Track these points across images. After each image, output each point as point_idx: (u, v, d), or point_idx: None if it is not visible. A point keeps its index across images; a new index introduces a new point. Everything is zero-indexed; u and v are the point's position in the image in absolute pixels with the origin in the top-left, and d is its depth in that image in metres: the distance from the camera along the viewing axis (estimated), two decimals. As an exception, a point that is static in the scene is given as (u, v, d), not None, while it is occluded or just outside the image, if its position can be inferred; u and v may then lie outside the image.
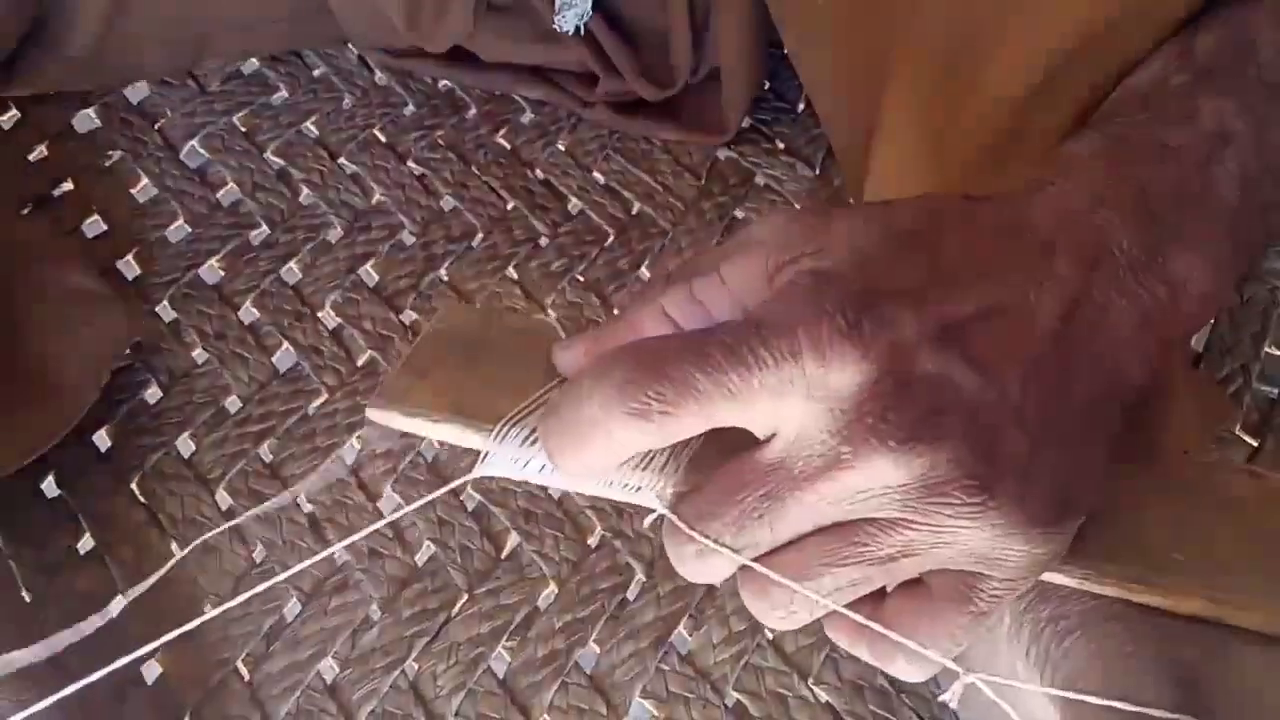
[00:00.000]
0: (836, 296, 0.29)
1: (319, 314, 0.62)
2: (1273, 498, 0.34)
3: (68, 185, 0.67)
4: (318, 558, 0.37)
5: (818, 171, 0.68)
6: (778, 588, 0.31)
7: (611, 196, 0.68)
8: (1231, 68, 0.36)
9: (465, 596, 0.52)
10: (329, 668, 0.50)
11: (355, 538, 0.37)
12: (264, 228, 0.66)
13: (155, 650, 0.34)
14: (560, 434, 0.30)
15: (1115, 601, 0.33)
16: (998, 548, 0.29)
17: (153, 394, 0.58)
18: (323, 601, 0.52)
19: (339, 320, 0.62)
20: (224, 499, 0.55)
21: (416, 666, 0.50)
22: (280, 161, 0.69)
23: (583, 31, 0.64)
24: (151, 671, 0.50)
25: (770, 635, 0.51)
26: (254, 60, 0.74)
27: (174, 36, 0.70)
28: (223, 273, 0.64)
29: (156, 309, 0.62)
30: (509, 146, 0.70)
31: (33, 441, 0.53)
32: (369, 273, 0.64)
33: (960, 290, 0.30)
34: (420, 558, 0.53)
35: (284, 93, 0.73)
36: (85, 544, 0.53)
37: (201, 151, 0.69)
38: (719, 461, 0.31)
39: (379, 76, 0.74)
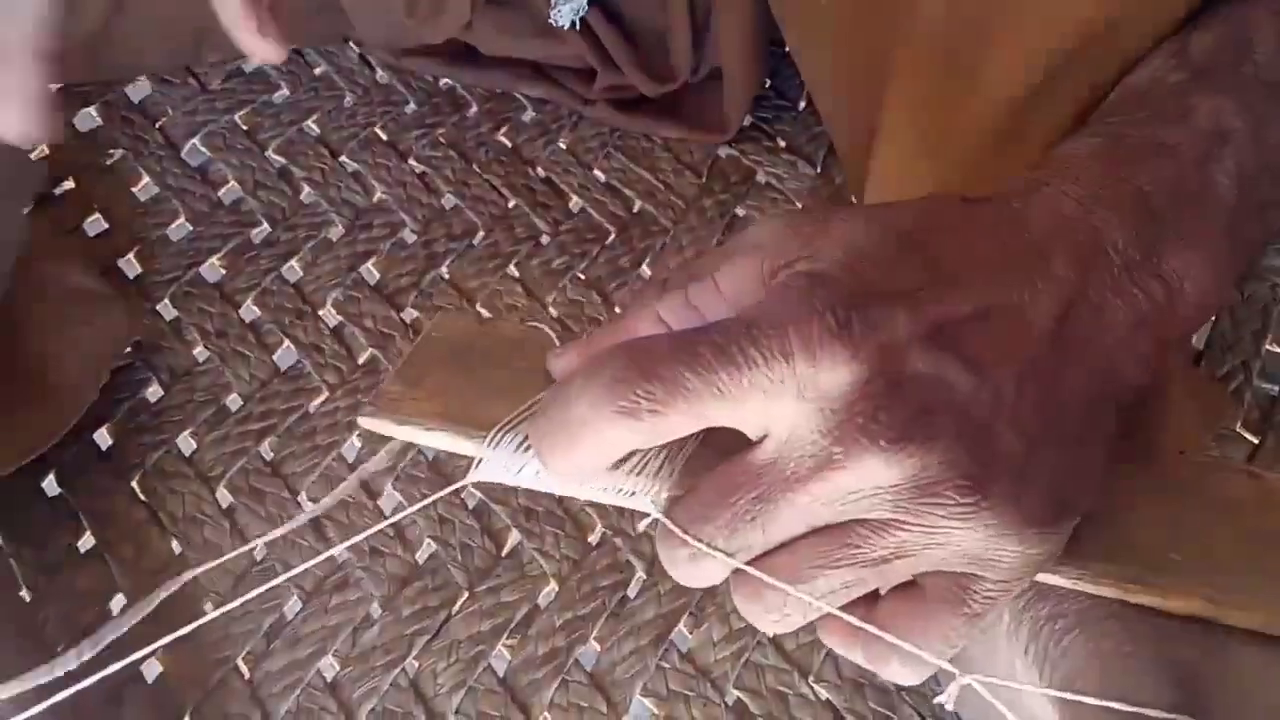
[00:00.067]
0: (827, 296, 0.29)
1: (320, 312, 0.62)
2: (1271, 498, 0.34)
3: (69, 184, 0.67)
4: (318, 559, 0.37)
5: (819, 170, 0.68)
6: (771, 590, 0.31)
7: (613, 194, 0.68)
8: (1229, 66, 0.36)
9: (466, 594, 0.52)
10: (329, 666, 0.50)
11: (356, 539, 0.37)
12: (265, 226, 0.66)
13: (155, 650, 0.34)
14: (550, 434, 0.30)
15: (1113, 600, 0.33)
16: (991, 549, 0.29)
17: (154, 392, 0.58)
18: (323, 599, 0.52)
19: (340, 318, 0.62)
20: (225, 497, 0.55)
21: (417, 664, 0.50)
22: (281, 160, 0.69)
23: (578, 26, 0.64)
24: (152, 670, 0.50)
25: (772, 633, 0.50)
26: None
27: (173, 31, 0.70)
28: (224, 271, 0.64)
29: (157, 307, 0.62)
30: (510, 144, 0.70)
31: (32, 441, 0.53)
32: (370, 271, 0.64)
33: (955, 291, 0.30)
34: (421, 555, 0.53)
35: (285, 91, 0.73)
36: (86, 542, 0.53)
37: (203, 150, 0.69)
38: (714, 465, 0.31)
39: (380, 75, 0.74)
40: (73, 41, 0.67)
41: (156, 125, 0.70)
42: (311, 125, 0.71)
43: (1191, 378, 0.56)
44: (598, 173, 0.69)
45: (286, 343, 0.61)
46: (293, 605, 0.52)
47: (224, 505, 0.55)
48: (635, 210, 0.67)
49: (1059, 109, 0.39)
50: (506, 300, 0.62)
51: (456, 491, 0.54)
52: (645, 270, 0.64)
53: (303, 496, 0.55)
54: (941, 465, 0.28)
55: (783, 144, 0.70)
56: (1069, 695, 0.32)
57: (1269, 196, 0.35)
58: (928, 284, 0.30)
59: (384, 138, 0.70)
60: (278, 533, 0.37)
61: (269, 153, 0.69)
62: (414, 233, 0.66)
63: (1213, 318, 0.59)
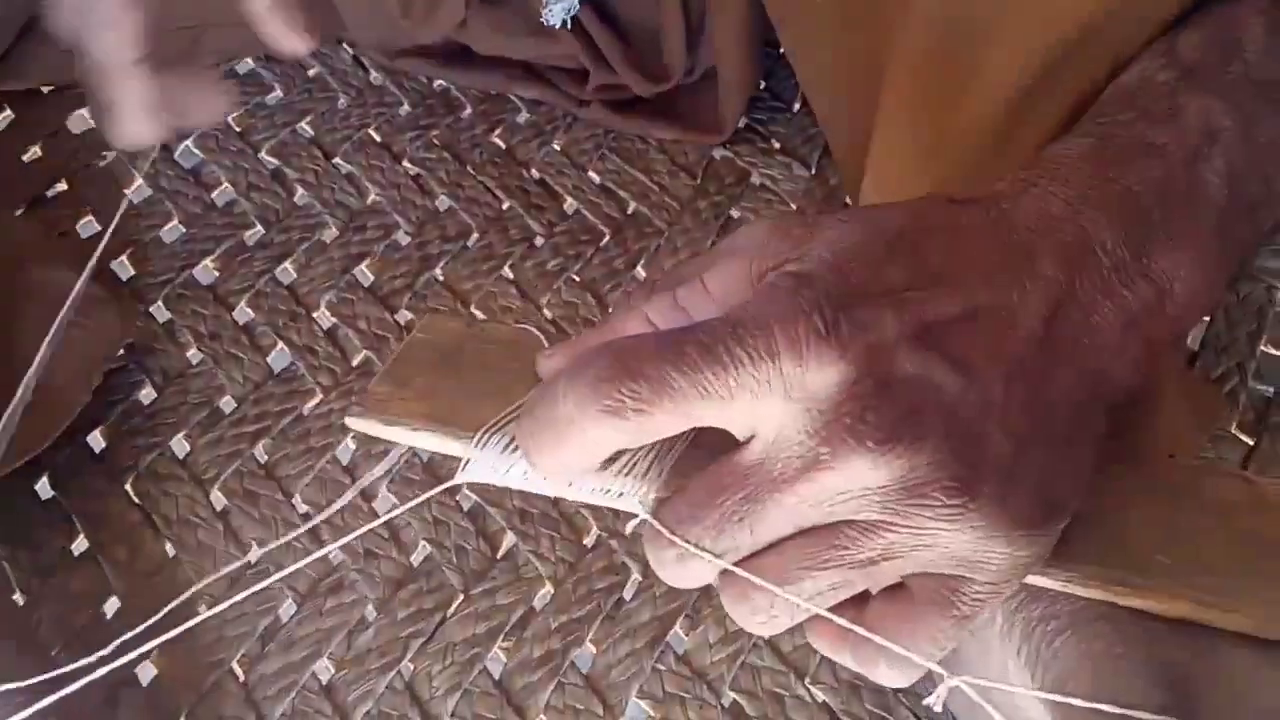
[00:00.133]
0: (814, 296, 0.29)
1: (314, 314, 0.62)
2: (1262, 502, 0.34)
3: (62, 185, 0.66)
4: (310, 558, 0.37)
5: (813, 171, 0.68)
6: (758, 592, 0.31)
7: (607, 196, 0.67)
8: (1217, 65, 0.36)
9: (461, 597, 0.52)
10: (324, 668, 0.50)
11: (348, 539, 0.37)
12: (259, 228, 0.65)
13: (150, 650, 0.34)
14: (536, 434, 0.30)
15: (1105, 602, 0.33)
16: (979, 550, 0.29)
17: (147, 394, 0.58)
18: (318, 602, 0.51)
19: (334, 320, 0.62)
20: (219, 499, 0.55)
21: (412, 667, 0.50)
22: (275, 161, 0.69)
23: (569, 25, 0.64)
24: (146, 673, 0.49)
25: (768, 635, 0.50)
26: (249, 60, 0.74)
27: (167, 32, 0.70)
28: (217, 273, 0.63)
29: (151, 309, 0.61)
30: (504, 146, 0.70)
31: (25, 443, 0.52)
32: (364, 273, 0.64)
33: (943, 291, 0.30)
34: (416, 558, 0.53)
35: (279, 92, 0.72)
36: (79, 545, 0.53)
37: (196, 152, 0.69)
38: (703, 466, 0.31)
39: (374, 76, 0.74)
40: (64, 43, 0.67)
41: (149, 127, 0.69)
42: (305, 127, 0.71)
43: (1186, 379, 0.56)
44: (592, 174, 0.69)
45: (280, 345, 0.60)
46: (287, 608, 0.52)
47: (218, 508, 0.54)
48: (630, 212, 0.67)
49: (1053, 109, 0.39)
50: (501, 302, 0.62)
51: (444, 492, 0.54)
52: (640, 272, 0.64)
53: (297, 499, 0.55)
54: (929, 466, 0.28)
55: (777, 146, 0.70)
56: (1057, 697, 0.32)
57: (1259, 196, 0.35)
58: (916, 285, 0.30)
59: (378, 139, 0.70)
60: (278, 544, 0.37)
61: (262, 154, 0.69)
62: (408, 234, 0.65)
63: (1207, 319, 0.59)
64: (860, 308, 0.29)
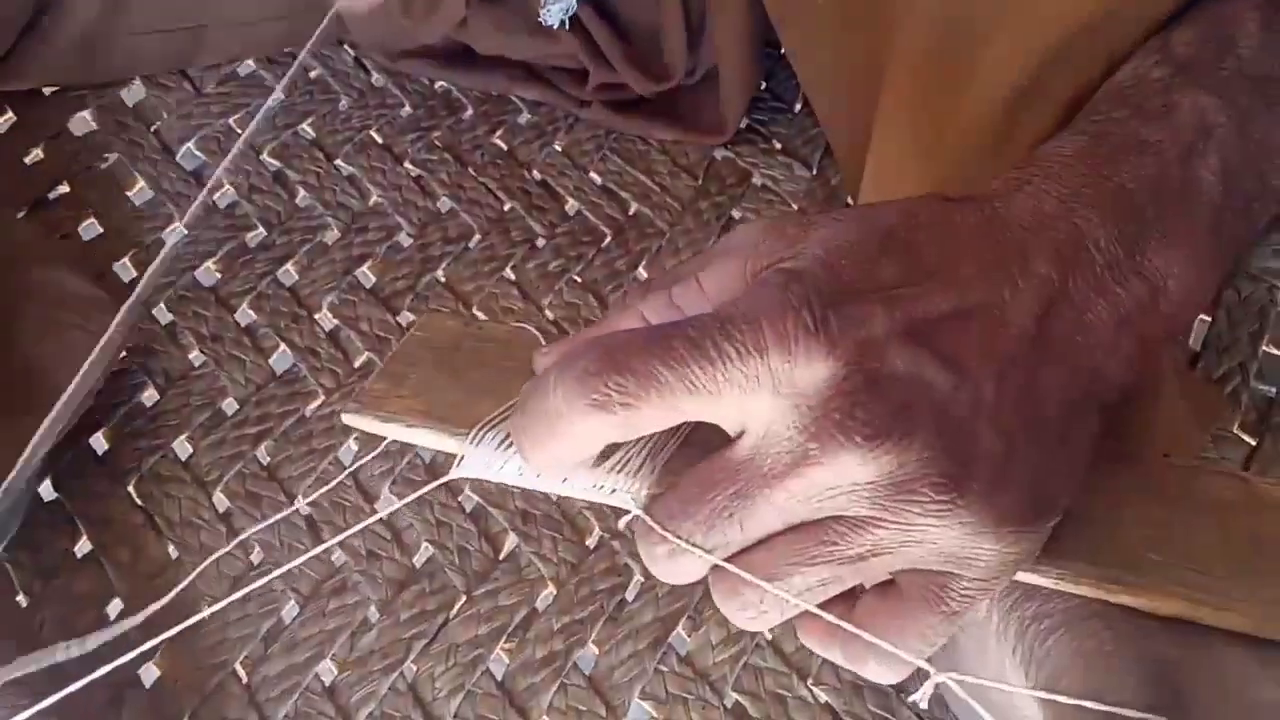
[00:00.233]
0: (803, 292, 0.29)
1: (316, 316, 0.62)
2: (1258, 502, 0.34)
3: (64, 188, 0.67)
4: (309, 554, 0.37)
5: (815, 172, 0.68)
6: (748, 587, 0.31)
7: (609, 197, 0.67)
8: (1211, 62, 0.35)
9: (463, 598, 0.52)
10: (327, 670, 0.50)
11: (345, 535, 0.37)
12: (260, 230, 0.65)
13: (154, 651, 0.34)
14: (527, 428, 0.30)
15: (1098, 600, 0.33)
16: (968, 547, 0.29)
17: (149, 396, 0.58)
18: (321, 603, 0.51)
19: (336, 322, 0.62)
20: (221, 501, 0.55)
21: (415, 668, 0.50)
22: (276, 163, 0.69)
23: (567, 25, 0.64)
24: (149, 674, 0.50)
25: (769, 635, 0.50)
26: (250, 62, 0.74)
27: (169, 32, 0.70)
28: (219, 275, 0.63)
29: (153, 311, 0.61)
30: (506, 147, 0.70)
31: (24, 447, 0.52)
32: (366, 274, 0.64)
33: (935, 289, 0.30)
34: (418, 559, 0.53)
35: (280, 94, 0.72)
36: (82, 547, 0.53)
37: (198, 154, 0.69)
38: (695, 463, 0.31)
39: (375, 78, 0.74)
40: (67, 40, 0.67)
41: (151, 129, 0.70)
42: (307, 128, 0.71)
43: (1186, 379, 0.56)
44: (594, 175, 0.69)
45: (282, 346, 0.60)
46: (290, 609, 0.52)
47: (220, 509, 0.54)
48: (631, 213, 0.67)
49: (1050, 108, 0.39)
50: (503, 303, 0.62)
51: (447, 492, 0.54)
52: (641, 273, 0.64)
53: (299, 500, 0.55)
54: (918, 463, 0.28)
55: (779, 146, 0.70)
56: (1046, 695, 0.32)
57: (1254, 192, 0.35)
58: (908, 282, 0.30)
59: (379, 141, 0.70)
60: (263, 525, 0.37)
61: (264, 156, 0.69)
62: (410, 236, 0.66)
63: (1209, 319, 0.59)
64: (850, 304, 0.29)
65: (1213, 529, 0.33)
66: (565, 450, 0.30)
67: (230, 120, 0.71)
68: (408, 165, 0.69)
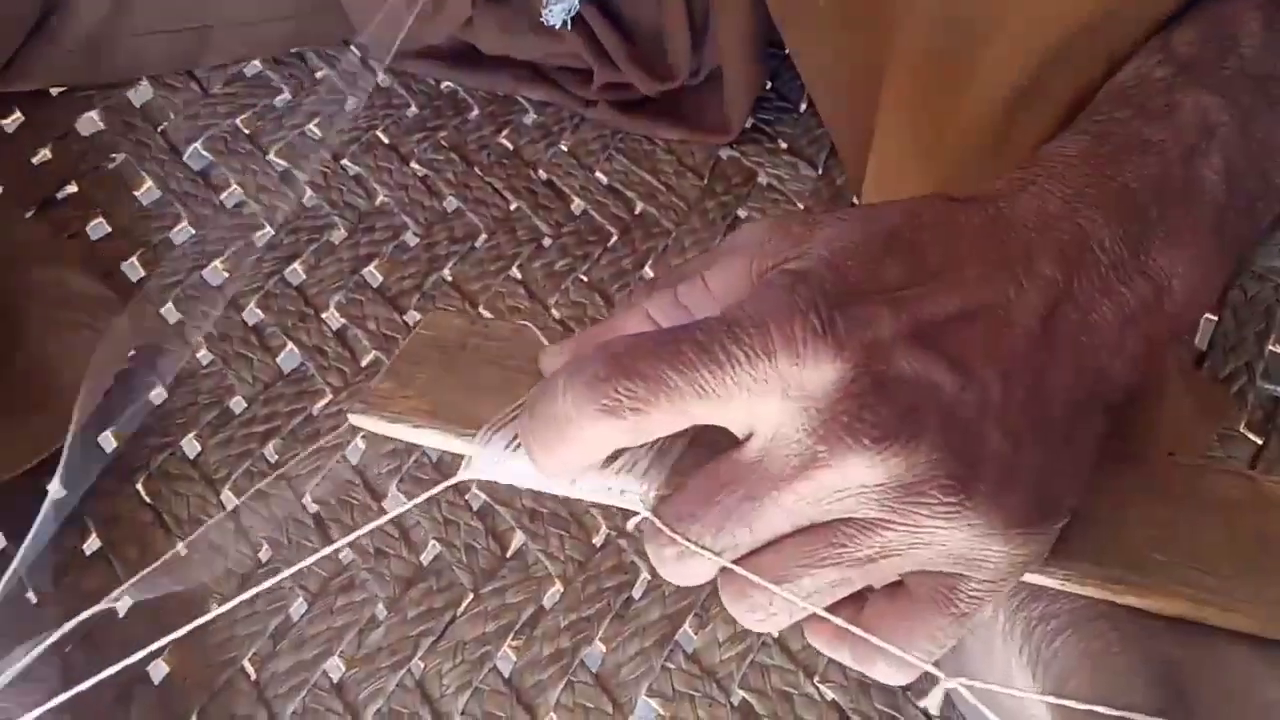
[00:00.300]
0: (810, 295, 0.29)
1: (323, 315, 0.62)
2: (1264, 500, 0.34)
3: (72, 188, 0.67)
4: (317, 555, 0.37)
5: (820, 171, 0.68)
6: (757, 589, 0.31)
7: (614, 196, 0.68)
8: (1214, 61, 0.35)
9: (471, 596, 0.52)
10: (335, 667, 0.50)
11: (355, 535, 0.37)
12: (268, 229, 0.66)
13: (163, 649, 0.34)
14: (536, 431, 0.30)
15: (1104, 600, 0.33)
16: (976, 548, 0.29)
17: (157, 395, 0.58)
18: (329, 601, 0.52)
19: (343, 321, 0.62)
20: (229, 499, 0.55)
21: (422, 665, 0.50)
22: (283, 163, 0.69)
23: (569, 25, 0.64)
24: (158, 671, 0.50)
25: (776, 633, 0.51)
26: (257, 62, 0.74)
27: (175, 31, 0.70)
28: (226, 274, 0.64)
29: (161, 310, 0.62)
30: (511, 147, 0.70)
31: (34, 445, 0.53)
32: (372, 273, 0.64)
33: (940, 290, 0.30)
34: (426, 557, 0.53)
35: (287, 94, 0.73)
36: (91, 544, 0.53)
37: (205, 154, 0.69)
38: (703, 464, 0.31)
39: (381, 78, 0.74)
40: (74, 41, 0.68)
41: (158, 129, 0.70)
42: (313, 129, 0.71)
43: (1191, 378, 0.56)
44: (599, 175, 0.69)
45: (290, 345, 0.61)
46: (298, 607, 0.52)
47: (228, 507, 0.55)
48: (637, 212, 0.67)
49: (1051, 108, 0.39)
50: (509, 302, 0.62)
51: (453, 491, 0.54)
52: (647, 272, 0.64)
53: (306, 498, 0.55)
54: (926, 465, 0.28)
55: (784, 146, 0.70)
56: (1053, 699, 0.32)
57: (1257, 191, 0.35)
58: (912, 283, 0.30)
59: (385, 141, 0.71)
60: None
61: (271, 156, 0.69)
62: (416, 235, 0.66)
63: (1215, 318, 0.59)
64: (857, 305, 0.29)
65: (1218, 528, 0.33)
66: (575, 455, 0.30)
67: (237, 120, 0.71)
68: (414, 165, 0.69)
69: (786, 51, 0.70)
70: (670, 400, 0.28)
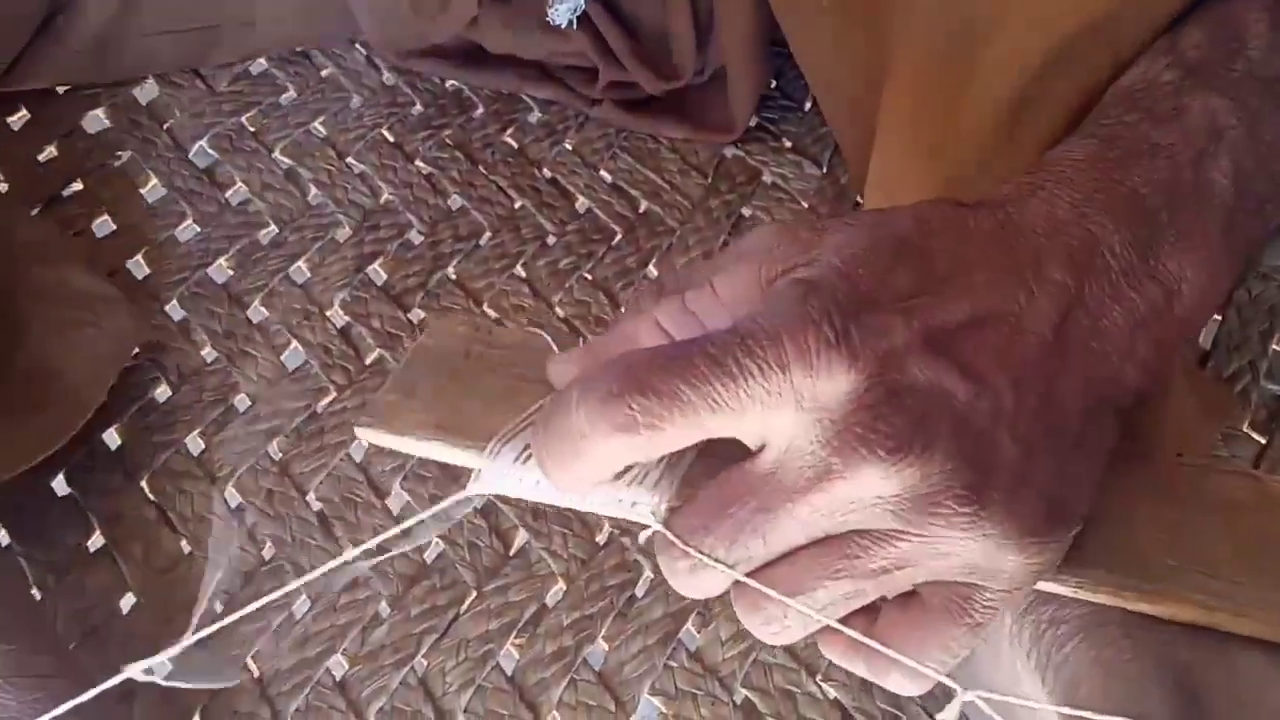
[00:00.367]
0: (822, 305, 0.28)
1: (327, 313, 0.62)
2: (1271, 501, 0.33)
3: (77, 185, 0.67)
4: (331, 565, 0.37)
5: (825, 170, 0.68)
6: (771, 602, 0.31)
7: (619, 195, 0.68)
8: (1221, 63, 0.35)
9: (474, 593, 0.52)
10: (338, 664, 0.50)
11: (365, 547, 0.37)
12: (272, 227, 0.66)
13: (175, 651, 0.34)
14: (549, 446, 0.30)
15: (1114, 607, 0.33)
16: (991, 558, 0.29)
17: (162, 392, 0.59)
18: (332, 598, 0.52)
19: (347, 319, 0.62)
20: (233, 496, 0.55)
21: (425, 663, 0.50)
22: (288, 161, 0.69)
23: (575, 25, 0.64)
24: (161, 670, 0.50)
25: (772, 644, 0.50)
26: (262, 60, 0.74)
27: (181, 31, 0.70)
28: (231, 272, 0.64)
29: (166, 308, 0.62)
30: (516, 146, 0.70)
31: (39, 443, 0.53)
32: (377, 271, 0.64)
33: (951, 297, 0.30)
34: (429, 555, 0.53)
35: (292, 93, 0.73)
36: (95, 541, 0.54)
37: (210, 151, 0.69)
38: (714, 474, 0.31)
39: (386, 77, 0.74)
40: (81, 41, 0.68)
41: (164, 127, 0.70)
42: (318, 127, 0.71)
43: (1194, 376, 0.56)
44: (604, 173, 0.69)
45: (294, 343, 0.61)
46: (301, 604, 0.52)
47: (233, 505, 0.55)
48: (641, 211, 0.67)
49: (1055, 109, 0.39)
50: (513, 300, 0.63)
51: (450, 485, 0.54)
52: (652, 270, 0.64)
53: (311, 496, 0.55)
54: (940, 475, 0.28)
55: (788, 144, 0.70)
56: (1070, 710, 0.31)
57: (1266, 193, 0.34)
58: (922, 290, 0.30)
59: (390, 139, 0.71)
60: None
61: (276, 154, 0.69)
62: (421, 234, 0.66)
63: (1219, 317, 0.59)
64: (870, 315, 0.28)
65: (1225, 530, 0.33)
66: (588, 470, 0.30)
67: (242, 118, 0.71)
68: (419, 163, 0.69)
69: (790, 50, 0.70)
70: (684, 415, 0.28)
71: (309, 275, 0.64)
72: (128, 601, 0.52)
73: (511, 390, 0.36)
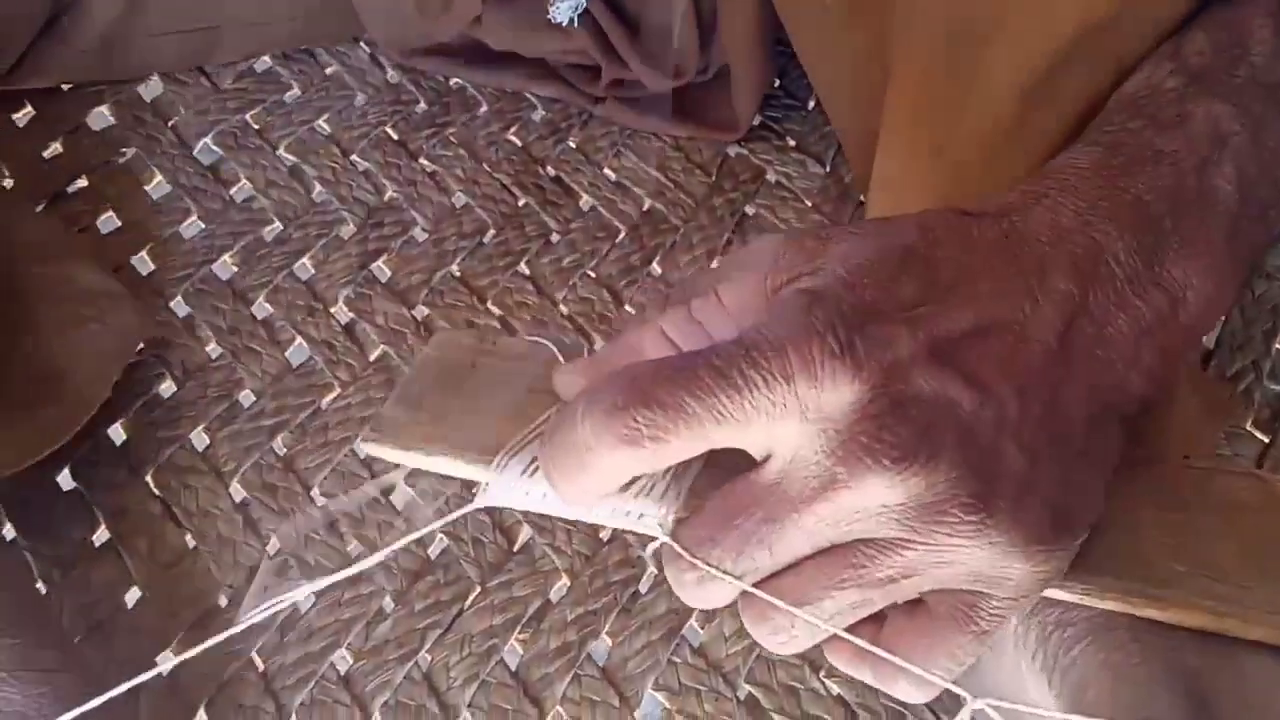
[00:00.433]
0: (827, 316, 0.28)
1: (331, 309, 0.62)
2: (1277, 501, 0.33)
3: (82, 182, 0.67)
4: (345, 573, 0.37)
5: (828, 169, 0.68)
6: (778, 612, 0.31)
7: (623, 193, 0.68)
8: (1225, 69, 0.35)
9: (478, 589, 0.52)
10: (342, 659, 0.50)
11: (381, 554, 0.37)
12: (277, 224, 0.66)
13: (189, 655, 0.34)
14: (556, 459, 0.30)
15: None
16: (997, 566, 0.29)
17: (167, 388, 0.59)
18: (336, 593, 0.52)
19: (351, 315, 0.62)
20: (238, 491, 0.55)
21: (430, 658, 0.50)
22: (293, 158, 0.69)
23: (576, 23, 0.64)
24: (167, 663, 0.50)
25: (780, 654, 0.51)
26: (266, 58, 0.74)
27: (186, 31, 0.70)
28: (236, 268, 0.64)
29: (170, 304, 0.62)
30: (520, 144, 0.71)
31: (44, 438, 0.53)
32: (381, 268, 0.64)
33: (955, 306, 0.30)
34: (433, 550, 0.53)
35: (296, 90, 0.73)
36: (100, 536, 0.54)
37: (215, 148, 0.69)
38: (720, 483, 0.31)
39: (391, 74, 0.74)
40: (86, 41, 0.68)
41: (169, 124, 0.70)
42: (323, 124, 0.71)
43: (1196, 376, 0.56)
44: (608, 171, 0.69)
45: (298, 339, 0.61)
46: (306, 599, 0.52)
47: (237, 500, 0.55)
48: (645, 209, 0.67)
49: (1058, 110, 0.39)
50: (517, 298, 0.63)
51: (463, 489, 0.54)
52: (655, 268, 0.64)
53: (315, 491, 0.55)
54: (946, 484, 0.28)
55: (792, 143, 0.70)
56: (1079, 719, 0.31)
57: (1270, 200, 0.34)
58: (927, 300, 0.30)
59: (395, 137, 0.71)
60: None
61: (280, 151, 0.69)
62: (425, 231, 0.66)
63: (1222, 317, 0.59)
64: (874, 325, 0.29)
65: (1232, 533, 0.33)
66: (594, 482, 0.30)
67: (247, 116, 0.71)
68: (423, 161, 0.69)
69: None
70: (689, 427, 0.28)
71: (313, 272, 0.64)
72: (133, 596, 0.52)
73: (517, 403, 0.36)
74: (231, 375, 0.59)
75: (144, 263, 0.64)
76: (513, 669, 0.50)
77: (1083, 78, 0.38)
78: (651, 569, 0.52)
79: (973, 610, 0.30)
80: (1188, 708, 0.30)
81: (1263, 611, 0.31)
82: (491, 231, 0.66)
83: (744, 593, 0.31)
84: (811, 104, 0.72)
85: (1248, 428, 0.56)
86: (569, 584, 0.52)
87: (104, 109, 0.70)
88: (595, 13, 0.64)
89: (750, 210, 0.67)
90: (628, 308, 0.62)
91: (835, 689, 0.49)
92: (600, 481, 0.30)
